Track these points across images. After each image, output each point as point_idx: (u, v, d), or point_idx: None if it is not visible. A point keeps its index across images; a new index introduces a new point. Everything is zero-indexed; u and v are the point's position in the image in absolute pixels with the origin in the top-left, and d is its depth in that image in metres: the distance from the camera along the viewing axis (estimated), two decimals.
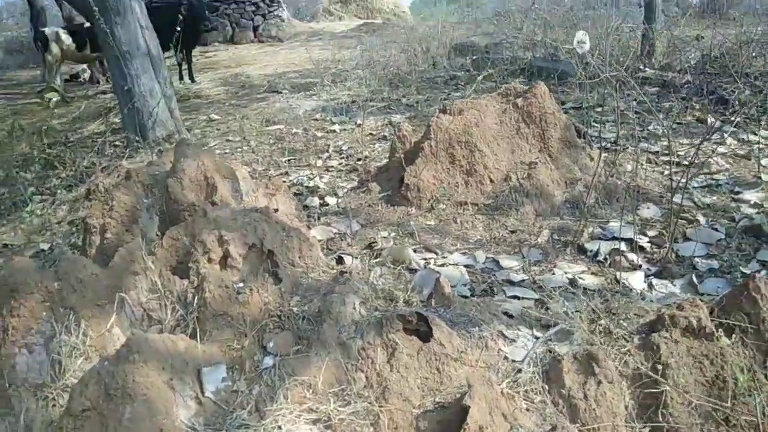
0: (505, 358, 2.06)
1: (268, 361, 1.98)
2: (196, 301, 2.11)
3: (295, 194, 4.18)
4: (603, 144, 4.84)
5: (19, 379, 1.89)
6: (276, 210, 2.53)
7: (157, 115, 5.70)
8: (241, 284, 2.16)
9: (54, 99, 8.32)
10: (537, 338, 2.15)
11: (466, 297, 2.70)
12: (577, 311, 2.30)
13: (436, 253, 3.19)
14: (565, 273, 2.97)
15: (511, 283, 2.90)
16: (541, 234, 3.43)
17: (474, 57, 9.81)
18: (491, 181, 3.83)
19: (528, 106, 4.05)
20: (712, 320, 2.04)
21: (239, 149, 5.60)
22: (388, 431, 1.80)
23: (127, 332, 2.07)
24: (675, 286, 2.82)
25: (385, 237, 3.32)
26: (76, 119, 8.45)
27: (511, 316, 2.34)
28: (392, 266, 2.64)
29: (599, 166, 3.64)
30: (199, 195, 2.85)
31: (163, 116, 5.79)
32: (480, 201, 3.74)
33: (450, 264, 3.10)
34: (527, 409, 1.84)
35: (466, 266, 3.08)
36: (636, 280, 2.83)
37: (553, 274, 2.98)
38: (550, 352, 2.07)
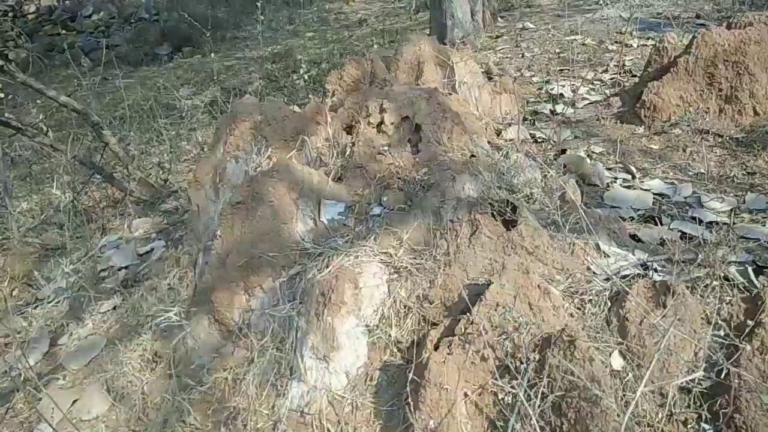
0: (588, 268, 1.95)
1: (377, 210, 2.32)
2: (347, 153, 2.55)
3: (538, 101, 4.16)
4: None
5: (225, 179, 2.66)
6: (447, 93, 2.72)
7: (458, 17, 6.11)
8: (386, 147, 2.50)
9: None
10: (639, 261, 1.94)
11: (623, 218, 2.49)
12: (716, 245, 1.95)
13: (633, 176, 2.92)
14: None
15: (699, 221, 2.51)
16: None
17: None
18: (755, 112, 3.17)
19: None
20: None
21: (520, 55, 5.66)
22: (439, 289, 1.99)
23: (303, 167, 2.66)
24: None
25: (585, 150, 3.16)
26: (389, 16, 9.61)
27: (638, 240, 2.13)
28: (545, 169, 2.59)
29: None
30: (409, 76, 3.21)
31: (464, 18, 6.18)
32: (728, 133, 3.15)
33: (642, 188, 2.82)
34: (571, 315, 1.77)
35: (660, 195, 2.77)
36: None
37: (764, 226, 2.46)
38: (641, 277, 1.87)
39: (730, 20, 3.49)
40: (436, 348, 1.71)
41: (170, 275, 2.78)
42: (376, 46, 8.52)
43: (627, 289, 1.76)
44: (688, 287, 1.77)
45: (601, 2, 8.19)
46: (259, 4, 6.07)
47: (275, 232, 2.25)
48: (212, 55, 6.60)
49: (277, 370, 2.11)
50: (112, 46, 12.86)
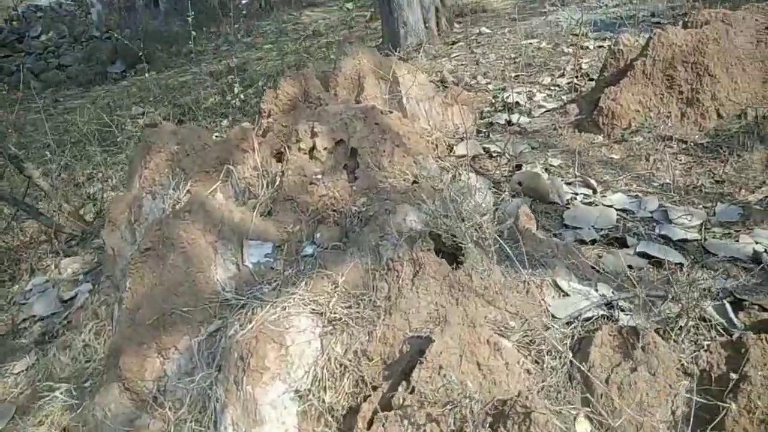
0: (546, 310, 1.70)
1: (309, 249, 2.04)
2: (277, 184, 2.26)
3: (493, 110, 3.94)
4: None
5: (142, 218, 2.36)
6: (394, 113, 2.46)
7: (410, 24, 5.89)
8: (319, 176, 2.22)
9: (349, 7, 9.31)
10: (603, 300, 1.70)
11: (584, 242, 2.26)
12: (689, 285, 1.72)
13: (594, 190, 2.70)
14: (756, 243, 2.21)
15: (667, 240, 2.30)
16: (760, 191, 2.58)
17: None
18: (719, 115, 2.98)
19: None
20: None
21: (475, 62, 5.46)
22: (379, 343, 1.71)
23: (230, 199, 2.37)
24: None
25: (543, 163, 2.94)
26: (348, 26, 9.50)
27: (598, 271, 1.89)
28: (497, 190, 2.35)
29: None
30: (350, 93, 2.95)
31: (417, 26, 5.96)
32: (692, 139, 2.96)
33: (605, 204, 2.60)
34: (527, 371, 1.52)
35: (623, 210, 2.55)
36: None
37: (737, 241, 2.25)
38: (606, 319, 1.63)
39: (686, 19, 3.32)
40: (369, 426, 1.44)
41: (86, 329, 2.46)
42: (332, 56, 8.27)
43: (590, 337, 1.52)
44: (659, 331, 1.53)
45: (556, 3, 8.08)
46: (189, 19, 5.72)
47: (190, 283, 1.95)
48: (147, 75, 6.18)
49: None
50: (62, 66, 12.35)
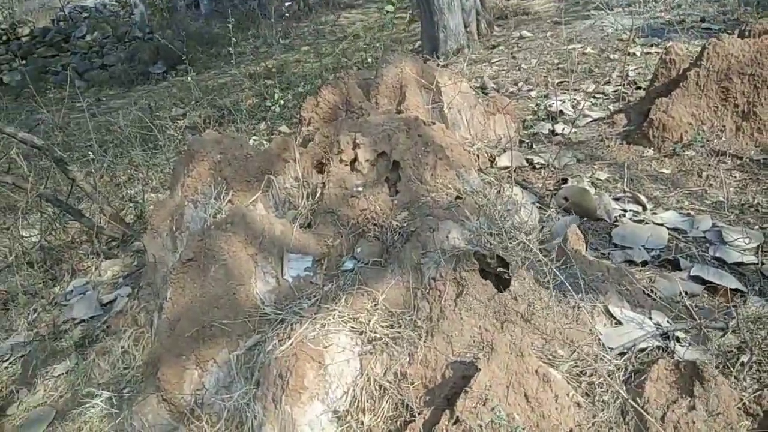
0: (597, 339, 1.62)
1: (349, 264, 2.01)
2: (317, 195, 2.24)
3: (536, 119, 3.85)
4: None
5: (183, 226, 2.36)
6: (432, 122, 2.41)
7: (450, 28, 5.82)
8: (360, 189, 2.18)
9: (389, 10, 9.29)
10: (658, 330, 1.61)
11: (634, 263, 2.17)
12: (754, 320, 1.62)
13: (644, 207, 2.59)
14: None
15: (722, 263, 2.19)
16: None
17: None
18: None
19: None
20: None
21: (517, 67, 5.36)
22: (420, 366, 1.67)
23: (270, 209, 2.35)
24: None
25: (590, 176, 2.84)
26: (388, 30, 9.42)
27: (651, 298, 1.80)
28: (541, 206, 2.27)
29: None
30: (391, 102, 2.91)
31: (457, 30, 5.88)
32: (748, 154, 2.83)
33: (655, 222, 2.49)
34: (577, 405, 1.45)
35: (675, 230, 2.44)
36: None
37: None
38: (661, 350, 1.55)
39: (743, 28, 3.17)
40: None
41: (126, 335, 2.47)
42: (369, 59, 8.25)
43: (645, 370, 1.44)
44: (719, 366, 1.45)
45: (600, 6, 7.88)
46: (230, 26, 5.76)
47: (230, 295, 1.93)
48: (189, 77, 6.24)
49: None
50: (105, 66, 12.66)
